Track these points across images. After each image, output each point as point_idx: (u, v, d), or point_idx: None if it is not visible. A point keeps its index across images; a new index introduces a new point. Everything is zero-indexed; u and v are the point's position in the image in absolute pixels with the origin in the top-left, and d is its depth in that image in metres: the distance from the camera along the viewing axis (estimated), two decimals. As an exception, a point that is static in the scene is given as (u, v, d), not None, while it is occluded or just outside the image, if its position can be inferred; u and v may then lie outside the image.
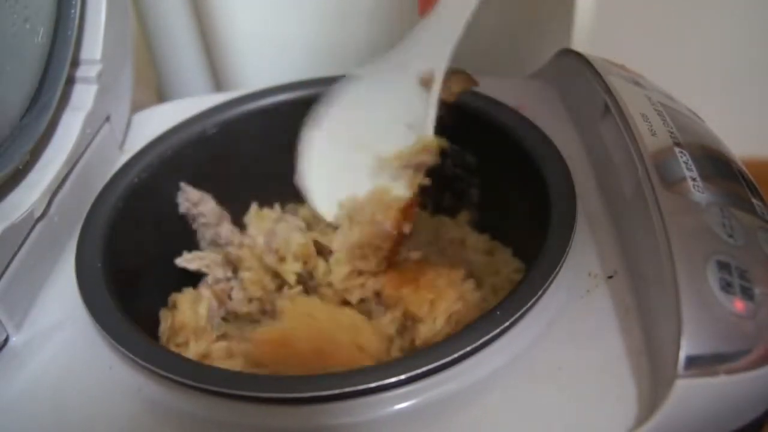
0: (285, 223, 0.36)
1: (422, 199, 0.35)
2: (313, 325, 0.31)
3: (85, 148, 0.35)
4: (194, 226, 0.37)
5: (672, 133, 0.28)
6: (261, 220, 0.37)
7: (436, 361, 0.23)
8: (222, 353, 0.31)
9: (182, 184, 0.36)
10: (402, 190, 0.33)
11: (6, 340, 0.28)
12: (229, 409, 0.24)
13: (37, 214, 0.30)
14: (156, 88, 0.58)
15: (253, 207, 0.38)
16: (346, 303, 0.33)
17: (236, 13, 0.48)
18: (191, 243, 0.38)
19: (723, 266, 0.23)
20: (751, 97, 0.69)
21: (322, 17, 0.49)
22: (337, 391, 0.23)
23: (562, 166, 0.31)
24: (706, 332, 0.22)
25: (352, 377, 0.24)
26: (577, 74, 0.36)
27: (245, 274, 0.35)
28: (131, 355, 0.25)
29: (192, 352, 0.31)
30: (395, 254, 0.33)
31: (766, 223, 0.25)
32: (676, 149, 0.27)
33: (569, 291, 0.27)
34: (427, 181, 0.33)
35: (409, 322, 0.31)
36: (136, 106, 0.42)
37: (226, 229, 0.37)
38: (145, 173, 0.35)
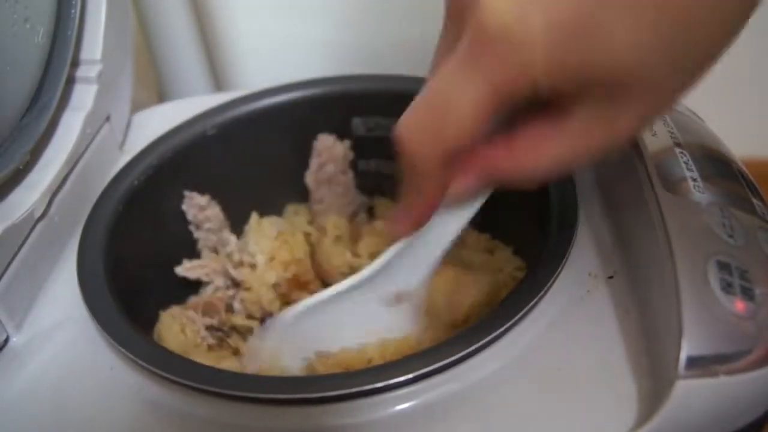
0: (286, 246, 0.35)
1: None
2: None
3: (86, 148, 0.35)
4: (197, 234, 0.37)
5: (672, 133, 0.28)
6: (261, 236, 0.36)
7: (437, 362, 0.23)
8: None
9: (187, 192, 0.36)
10: None
11: (6, 341, 0.28)
12: (229, 409, 0.24)
13: (38, 214, 0.30)
14: (156, 88, 0.58)
15: (254, 217, 0.38)
16: None
17: (236, 12, 0.49)
18: (192, 244, 0.38)
19: (723, 266, 0.23)
20: (751, 97, 0.69)
21: (323, 17, 0.49)
22: (337, 392, 0.23)
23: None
24: (706, 333, 0.22)
25: (352, 378, 0.24)
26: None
27: (244, 294, 0.35)
28: (132, 356, 0.25)
29: None
30: None
31: (767, 223, 0.25)
32: (677, 149, 0.27)
33: (570, 291, 0.27)
34: None
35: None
36: (136, 106, 0.42)
37: (227, 236, 0.37)
38: (147, 174, 0.35)
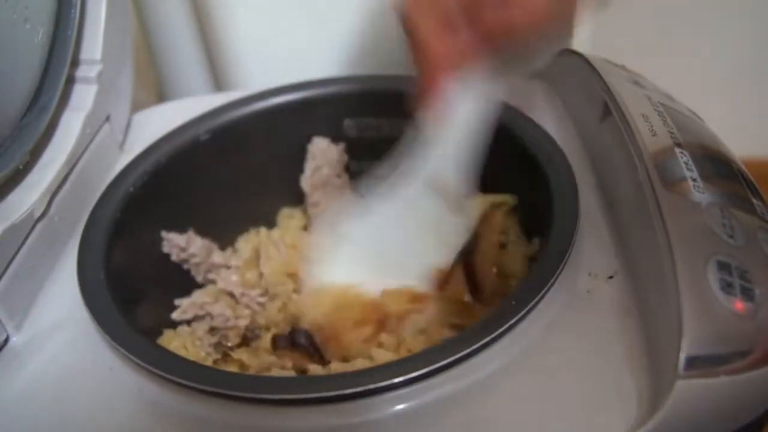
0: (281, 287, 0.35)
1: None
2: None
3: (85, 148, 0.35)
4: (186, 267, 0.36)
5: (672, 133, 0.28)
6: (249, 267, 0.36)
7: (436, 363, 0.23)
8: None
9: (164, 233, 0.35)
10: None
11: (6, 340, 0.28)
12: (228, 409, 0.24)
13: (37, 214, 0.30)
14: (156, 88, 0.58)
15: (242, 244, 0.38)
16: None
17: (236, 12, 0.48)
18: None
19: (723, 266, 0.23)
20: (751, 97, 0.69)
21: (323, 17, 0.49)
22: (337, 392, 0.23)
23: (564, 166, 0.31)
24: (706, 333, 0.22)
25: (351, 378, 0.24)
26: (577, 75, 0.36)
27: (240, 321, 0.34)
28: (131, 356, 0.25)
29: None
30: None
31: (767, 223, 0.25)
32: (677, 149, 0.27)
33: (570, 291, 0.27)
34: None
35: None
36: (136, 106, 0.42)
37: (218, 259, 0.36)
38: (148, 174, 0.35)
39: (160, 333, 0.33)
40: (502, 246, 0.34)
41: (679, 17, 0.69)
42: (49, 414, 0.25)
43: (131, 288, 0.32)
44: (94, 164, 0.35)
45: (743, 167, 0.28)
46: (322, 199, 0.39)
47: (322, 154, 0.39)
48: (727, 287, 0.23)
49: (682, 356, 0.21)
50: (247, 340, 0.34)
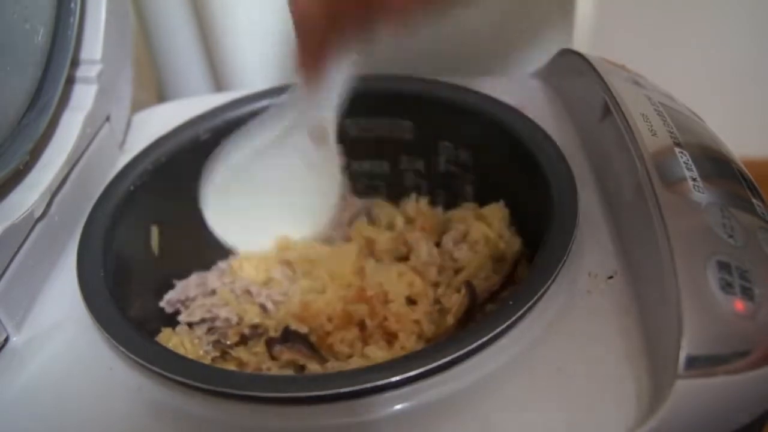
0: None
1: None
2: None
3: (85, 148, 0.35)
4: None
5: (672, 133, 0.28)
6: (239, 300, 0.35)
7: (435, 362, 0.23)
8: None
9: (162, 303, 0.35)
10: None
11: (6, 340, 0.28)
12: (228, 409, 0.24)
13: (38, 214, 0.30)
14: (156, 88, 0.58)
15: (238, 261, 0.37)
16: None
17: (237, 12, 0.48)
18: (191, 244, 0.38)
19: (723, 266, 0.23)
20: (751, 97, 0.69)
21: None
22: (336, 392, 0.23)
23: (563, 166, 0.31)
24: (706, 333, 0.22)
25: (351, 377, 0.24)
26: (577, 74, 0.36)
27: (246, 321, 0.34)
28: (131, 356, 0.25)
29: None
30: None
31: (767, 223, 0.25)
32: (677, 149, 0.27)
33: (569, 291, 0.27)
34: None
35: None
36: (136, 106, 0.42)
37: (213, 281, 0.36)
38: (147, 174, 0.35)
39: (159, 331, 0.33)
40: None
41: (680, 17, 0.69)
42: (49, 413, 0.25)
43: (131, 287, 0.32)
44: (95, 164, 0.35)
45: (743, 167, 0.28)
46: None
47: None
48: (726, 287, 0.23)
49: (682, 356, 0.21)
50: (245, 338, 0.34)
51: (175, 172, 0.36)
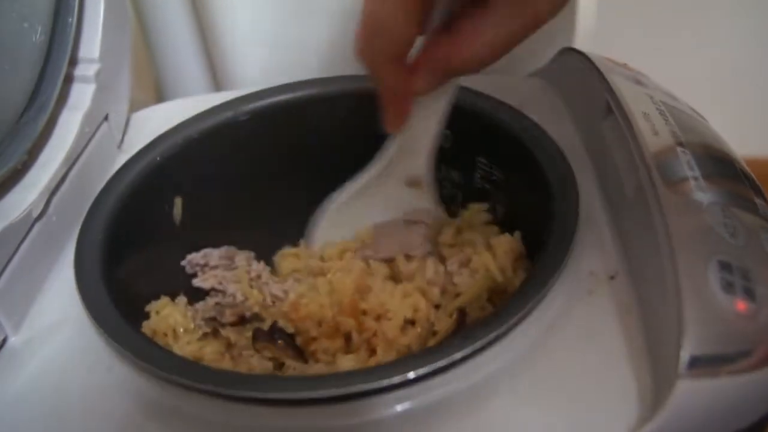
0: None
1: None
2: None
3: (84, 148, 0.35)
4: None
5: (674, 132, 0.28)
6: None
7: (437, 363, 0.23)
8: (214, 356, 0.31)
9: (184, 262, 0.36)
10: None
11: (4, 340, 0.28)
12: (228, 410, 0.24)
13: (36, 213, 0.30)
14: (155, 88, 0.58)
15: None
16: None
17: (236, 12, 0.48)
18: (190, 244, 0.38)
19: (725, 266, 0.23)
20: (754, 95, 0.69)
21: (324, 17, 0.49)
22: (337, 392, 0.23)
23: (565, 165, 0.31)
24: (707, 333, 0.22)
25: (351, 378, 0.24)
26: (579, 73, 0.36)
27: (247, 305, 0.35)
28: (130, 356, 0.25)
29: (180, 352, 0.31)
30: None
31: (768, 222, 0.25)
32: (678, 149, 0.27)
33: (571, 291, 0.27)
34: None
35: None
36: (135, 106, 0.41)
37: (240, 260, 0.37)
38: (146, 173, 0.35)
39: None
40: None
41: (682, 15, 0.69)
42: (47, 414, 0.25)
43: (129, 287, 0.32)
44: (93, 164, 0.35)
45: (745, 167, 0.28)
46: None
47: None
48: (728, 287, 0.23)
49: (684, 356, 0.21)
50: (243, 320, 0.34)
51: (174, 172, 0.36)
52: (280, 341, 0.32)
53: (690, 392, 0.21)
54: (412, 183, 0.34)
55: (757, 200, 0.26)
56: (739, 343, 0.22)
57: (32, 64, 0.31)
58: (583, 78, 0.35)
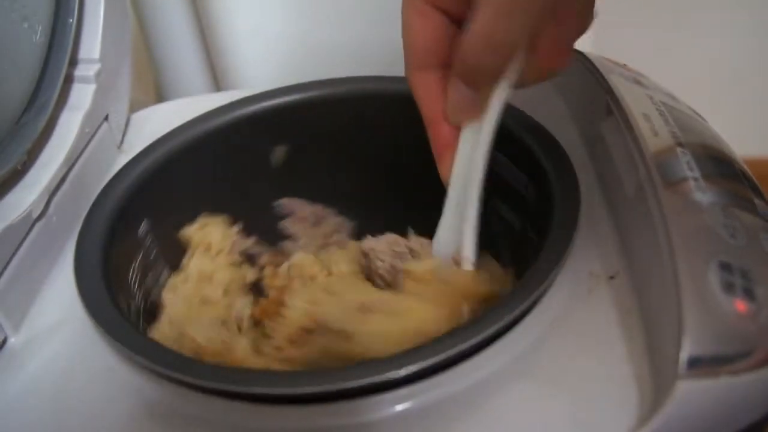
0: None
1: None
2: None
3: (84, 148, 0.35)
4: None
5: (674, 132, 0.28)
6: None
7: (435, 362, 0.23)
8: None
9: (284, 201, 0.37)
10: None
11: (4, 341, 0.28)
12: (228, 408, 0.24)
13: (36, 214, 0.30)
14: (155, 88, 0.58)
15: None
16: None
17: (236, 12, 0.48)
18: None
19: (725, 267, 0.23)
20: (753, 96, 0.69)
21: (324, 16, 0.49)
22: (335, 391, 0.23)
23: (565, 165, 0.31)
24: (707, 333, 0.22)
25: (350, 375, 0.24)
26: (578, 73, 0.36)
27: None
28: (131, 356, 0.25)
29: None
30: None
31: (768, 223, 0.25)
32: (678, 149, 0.27)
33: (570, 291, 0.27)
34: None
35: None
36: (135, 106, 0.41)
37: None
38: (146, 174, 0.35)
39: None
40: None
41: (682, 16, 0.69)
42: (48, 414, 0.25)
43: (129, 287, 0.32)
44: (93, 164, 0.35)
45: (745, 167, 0.28)
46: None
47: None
48: (728, 287, 0.23)
49: (683, 356, 0.21)
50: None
51: (174, 173, 0.36)
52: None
53: (690, 392, 0.21)
54: (456, 262, 0.30)
55: (757, 200, 0.26)
56: (739, 343, 0.22)
57: (32, 65, 0.31)
58: (582, 78, 0.35)
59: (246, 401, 0.24)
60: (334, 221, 0.38)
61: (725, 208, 0.25)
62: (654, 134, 0.28)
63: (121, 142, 0.39)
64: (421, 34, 0.26)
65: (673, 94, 0.33)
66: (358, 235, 0.40)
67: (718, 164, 0.27)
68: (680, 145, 0.28)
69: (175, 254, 0.36)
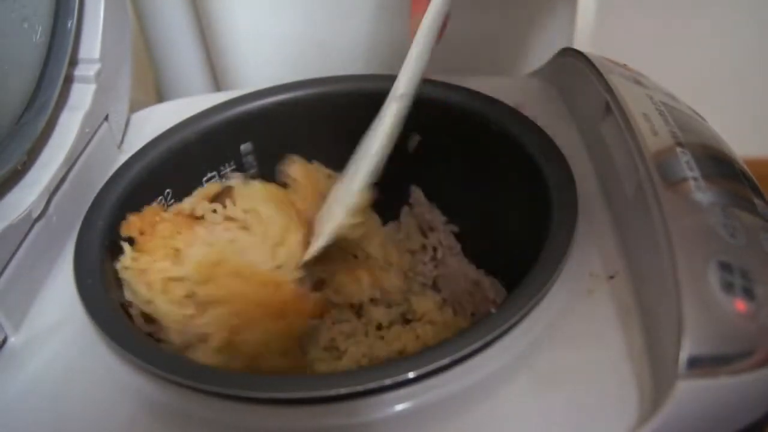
0: None
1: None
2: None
3: (84, 148, 0.35)
4: None
5: (674, 132, 0.28)
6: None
7: (436, 363, 0.23)
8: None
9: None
10: None
11: (4, 341, 0.28)
12: (228, 409, 0.24)
13: (36, 214, 0.30)
14: (155, 88, 0.58)
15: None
16: None
17: (236, 11, 0.48)
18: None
19: (724, 266, 0.23)
20: (753, 96, 0.69)
21: (323, 16, 0.49)
22: (337, 392, 0.23)
23: (564, 165, 0.31)
24: (707, 333, 0.22)
25: (352, 378, 0.24)
26: (578, 73, 0.36)
27: None
28: (130, 356, 0.25)
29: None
30: None
31: (768, 223, 0.25)
32: (678, 149, 0.27)
33: (570, 291, 0.27)
34: None
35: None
36: (135, 106, 0.41)
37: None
38: (145, 173, 0.35)
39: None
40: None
41: (681, 16, 0.69)
42: (47, 414, 0.25)
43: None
44: (93, 164, 0.35)
45: (745, 167, 0.28)
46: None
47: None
48: (728, 287, 0.23)
49: (683, 356, 0.21)
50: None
51: (173, 172, 0.36)
52: None
53: (690, 392, 0.21)
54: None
55: (757, 200, 0.26)
56: (738, 343, 0.22)
57: (32, 65, 0.31)
58: (582, 78, 0.35)
59: (245, 402, 0.24)
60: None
61: (725, 207, 0.25)
62: (654, 134, 0.28)
63: (121, 142, 0.39)
64: None
65: (673, 94, 0.33)
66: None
67: (718, 164, 0.27)
68: (680, 145, 0.28)
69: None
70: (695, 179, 0.26)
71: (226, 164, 0.38)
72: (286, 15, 0.49)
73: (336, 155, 0.40)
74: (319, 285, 0.35)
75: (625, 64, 0.36)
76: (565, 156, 0.32)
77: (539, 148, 0.33)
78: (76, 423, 0.25)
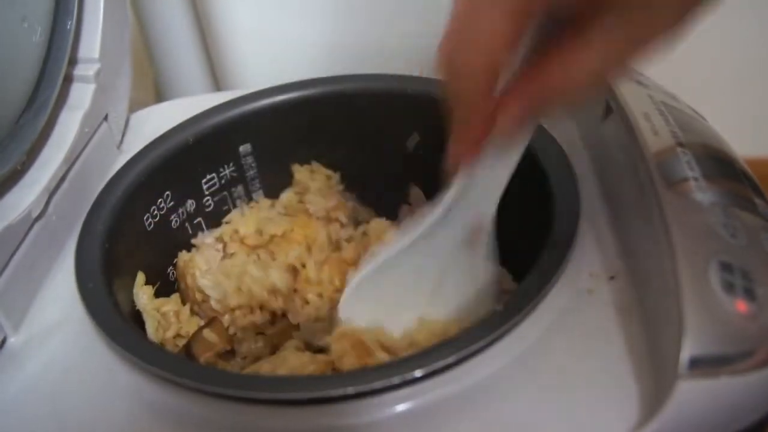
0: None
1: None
2: None
3: (83, 148, 0.35)
4: None
5: (674, 132, 0.28)
6: None
7: (437, 364, 0.23)
8: None
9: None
10: None
11: (4, 341, 0.28)
12: (227, 410, 0.24)
13: (35, 213, 0.30)
14: (154, 87, 0.58)
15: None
16: None
17: (236, 11, 0.48)
18: (190, 244, 0.38)
19: (725, 267, 0.23)
20: (754, 96, 0.69)
21: (323, 16, 0.49)
22: (337, 392, 0.23)
23: (565, 165, 0.31)
24: (708, 333, 0.22)
25: (353, 378, 0.24)
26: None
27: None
28: (130, 357, 0.25)
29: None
30: None
31: (769, 223, 0.25)
32: (679, 149, 0.27)
33: (571, 291, 0.27)
34: None
35: None
36: (134, 106, 0.41)
37: None
38: (145, 174, 0.34)
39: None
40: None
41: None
42: (47, 414, 0.25)
43: (129, 288, 0.32)
44: (93, 164, 0.35)
45: (746, 167, 0.28)
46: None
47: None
48: (729, 287, 0.22)
49: (684, 356, 0.21)
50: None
51: (174, 172, 0.36)
52: None
53: (690, 392, 0.21)
54: (475, 233, 0.28)
55: (758, 200, 0.26)
56: (739, 343, 0.22)
57: (32, 64, 0.31)
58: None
59: (246, 402, 0.24)
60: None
61: (726, 207, 0.25)
62: (654, 134, 0.28)
63: (121, 141, 0.39)
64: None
65: (673, 94, 0.33)
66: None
67: (719, 164, 0.27)
68: (681, 144, 0.28)
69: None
70: (696, 179, 0.26)
71: (225, 166, 0.38)
72: (286, 15, 0.49)
73: (336, 156, 0.40)
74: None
75: (625, 64, 0.35)
76: (566, 155, 0.32)
77: (540, 147, 0.32)
78: (75, 423, 0.25)
